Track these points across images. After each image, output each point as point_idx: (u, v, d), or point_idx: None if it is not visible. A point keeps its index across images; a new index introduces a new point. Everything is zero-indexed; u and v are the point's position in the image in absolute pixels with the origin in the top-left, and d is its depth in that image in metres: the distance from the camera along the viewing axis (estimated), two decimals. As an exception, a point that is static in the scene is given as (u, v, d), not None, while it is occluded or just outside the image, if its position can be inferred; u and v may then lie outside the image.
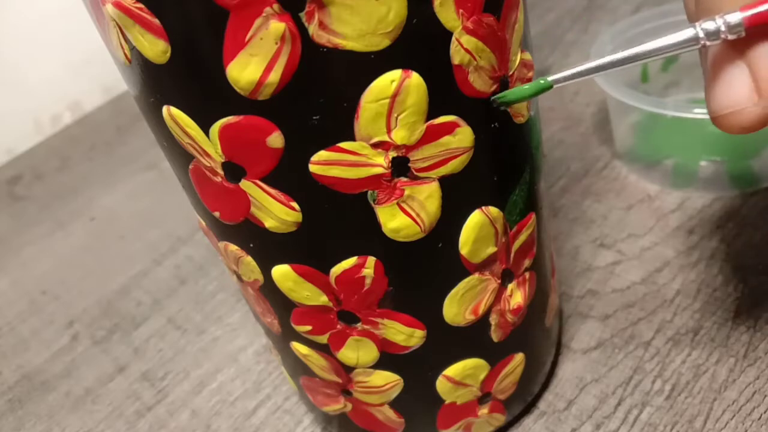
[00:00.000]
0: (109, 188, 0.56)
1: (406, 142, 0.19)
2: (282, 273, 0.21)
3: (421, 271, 0.22)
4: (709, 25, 0.17)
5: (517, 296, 0.25)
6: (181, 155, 0.20)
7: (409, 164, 0.19)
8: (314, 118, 0.18)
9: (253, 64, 0.16)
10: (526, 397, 0.29)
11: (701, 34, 0.17)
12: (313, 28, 0.16)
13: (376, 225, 0.20)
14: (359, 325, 0.23)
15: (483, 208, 0.21)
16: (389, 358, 0.24)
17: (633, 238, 0.37)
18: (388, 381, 0.25)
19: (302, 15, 0.16)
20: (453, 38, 0.18)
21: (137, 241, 0.48)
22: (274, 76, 0.17)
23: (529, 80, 0.22)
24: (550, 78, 0.20)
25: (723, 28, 0.17)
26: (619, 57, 0.19)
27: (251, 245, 0.22)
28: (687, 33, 0.18)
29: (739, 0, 0.17)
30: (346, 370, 0.25)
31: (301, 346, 0.25)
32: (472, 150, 0.20)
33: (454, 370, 0.25)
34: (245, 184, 0.19)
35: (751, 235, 0.35)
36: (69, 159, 0.62)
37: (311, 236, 0.20)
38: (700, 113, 0.34)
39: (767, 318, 0.31)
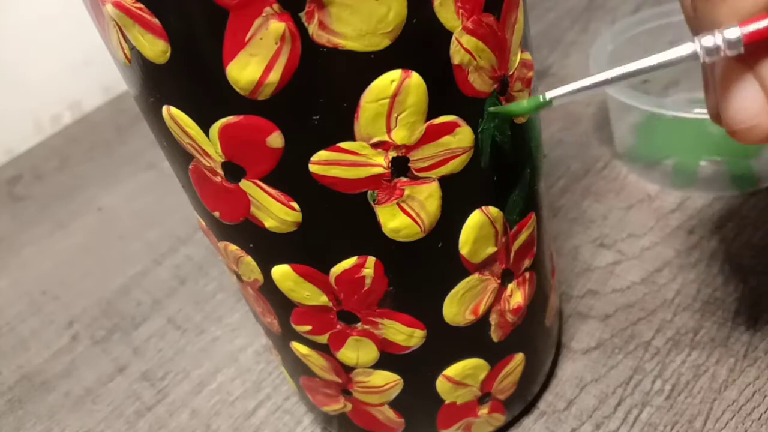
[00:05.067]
0: (109, 188, 0.56)
1: (406, 142, 0.19)
2: (282, 273, 0.21)
3: (421, 271, 0.22)
4: (708, 41, 0.17)
5: (517, 296, 0.25)
6: (181, 155, 0.20)
7: (409, 164, 0.19)
8: (314, 118, 0.18)
9: (253, 64, 0.16)
10: (526, 397, 0.29)
11: (701, 52, 0.17)
12: (313, 28, 0.16)
13: (376, 225, 0.20)
14: (359, 325, 0.23)
15: (483, 208, 0.21)
16: (389, 358, 0.24)
17: (633, 238, 0.37)
18: (388, 381, 0.25)
19: (302, 15, 0.16)
20: (453, 38, 0.18)
21: (137, 241, 0.48)
22: (274, 76, 0.17)
23: (529, 80, 0.22)
24: (549, 95, 0.19)
25: (722, 45, 0.17)
26: (618, 73, 0.19)
27: (251, 245, 0.22)
28: (686, 49, 0.18)
29: (738, 14, 0.17)
30: (346, 370, 0.25)
31: (301, 346, 0.25)
32: (472, 150, 0.20)
33: (454, 370, 0.25)
34: (245, 184, 0.19)
35: (751, 235, 0.35)
36: (69, 159, 0.62)
37: (311, 236, 0.20)
38: (700, 113, 0.34)
39: (767, 318, 0.31)
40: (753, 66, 0.18)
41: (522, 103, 0.20)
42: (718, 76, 0.19)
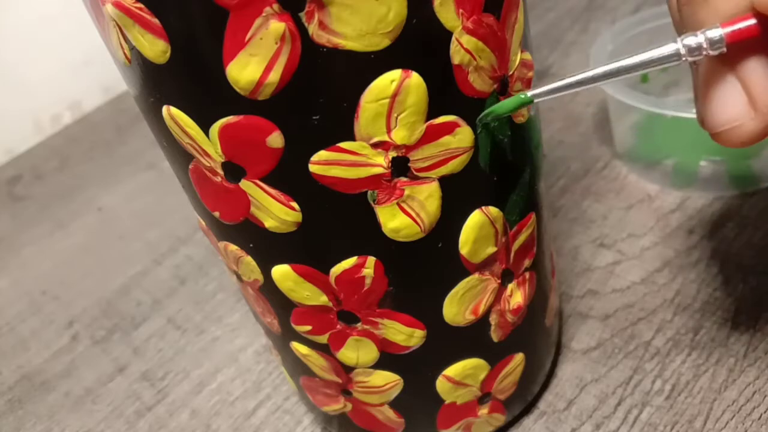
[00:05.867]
0: (109, 188, 0.56)
1: (406, 142, 0.19)
2: (282, 273, 0.21)
3: (421, 271, 0.22)
4: (691, 41, 0.17)
5: (517, 296, 0.25)
6: (181, 155, 0.20)
7: (409, 164, 0.19)
8: (314, 118, 0.18)
9: (253, 64, 0.16)
10: (526, 397, 0.29)
11: (683, 51, 0.17)
12: (313, 28, 0.16)
13: (376, 225, 0.20)
14: (359, 325, 0.23)
15: (483, 208, 0.21)
16: (389, 358, 0.24)
17: (633, 238, 0.37)
18: (388, 381, 0.25)
19: (302, 15, 0.16)
20: (453, 38, 0.18)
21: (137, 241, 0.48)
22: (274, 76, 0.17)
23: (529, 80, 0.22)
24: (530, 93, 0.20)
25: (705, 45, 0.17)
26: (600, 72, 0.19)
27: (251, 245, 0.22)
28: (669, 48, 0.18)
29: (720, 15, 0.17)
30: (346, 370, 0.25)
31: (301, 346, 0.25)
32: (472, 150, 0.20)
33: (454, 370, 0.25)
34: (245, 184, 0.19)
35: (751, 235, 0.35)
36: (69, 159, 0.62)
37: (311, 236, 0.20)
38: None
39: (767, 318, 0.31)
40: (735, 67, 0.18)
41: (505, 102, 0.20)
42: (701, 78, 0.19)
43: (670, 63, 0.18)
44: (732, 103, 0.18)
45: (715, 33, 0.17)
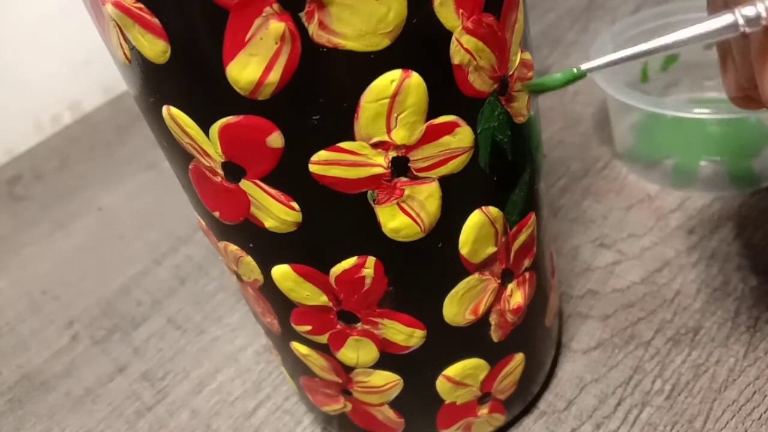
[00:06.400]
0: (109, 188, 0.56)
1: (406, 142, 0.19)
2: (282, 273, 0.21)
3: (421, 271, 0.22)
4: (749, 11, 0.16)
5: (517, 296, 0.25)
6: (181, 155, 0.20)
7: (409, 164, 0.19)
8: (314, 118, 0.18)
9: (253, 64, 0.16)
10: (526, 397, 0.29)
11: (741, 21, 0.17)
12: (313, 28, 0.16)
13: (376, 225, 0.20)
14: (359, 325, 0.23)
15: (483, 208, 0.21)
16: (389, 358, 0.24)
17: (633, 238, 0.37)
18: (388, 381, 0.25)
19: (302, 15, 0.16)
20: (453, 38, 0.18)
21: (137, 241, 0.48)
22: (274, 76, 0.17)
23: (529, 80, 0.22)
24: (584, 66, 0.19)
25: (764, 14, 0.16)
26: (654, 45, 0.18)
27: (251, 245, 0.22)
28: (725, 20, 0.17)
29: None
30: (346, 370, 0.25)
31: (301, 346, 0.25)
32: (472, 150, 0.20)
33: (454, 370, 0.25)
34: (245, 184, 0.19)
35: (751, 235, 0.35)
36: (69, 159, 0.62)
37: (311, 236, 0.20)
38: (700, 113, 0.34)
39: (767, 318, 0.31)
40: None
41: (556, 76, 0.19)
42: (756, 50, 0.18)
43: (726, 35, 0.17)
44: None
45: None
